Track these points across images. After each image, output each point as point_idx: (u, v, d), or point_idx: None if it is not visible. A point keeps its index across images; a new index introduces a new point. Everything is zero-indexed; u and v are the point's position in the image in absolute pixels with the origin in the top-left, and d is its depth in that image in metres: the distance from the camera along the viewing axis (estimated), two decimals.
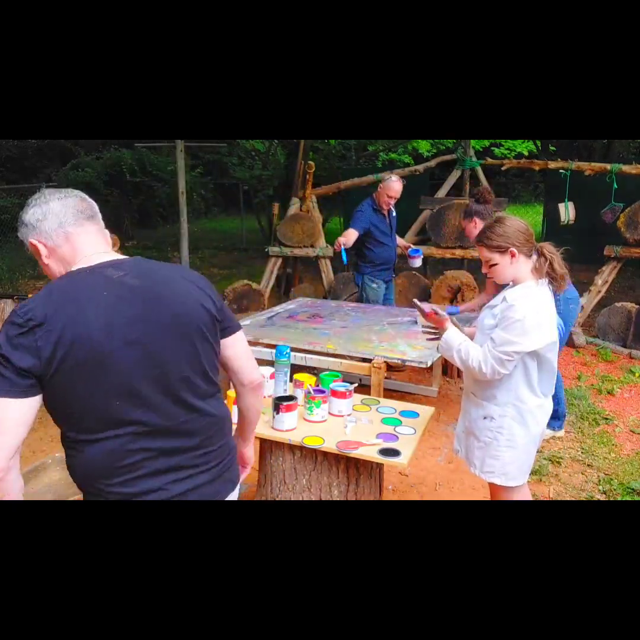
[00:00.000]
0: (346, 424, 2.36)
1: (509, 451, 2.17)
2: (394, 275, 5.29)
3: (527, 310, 2.02)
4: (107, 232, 1.55)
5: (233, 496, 1.70)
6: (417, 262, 5.06)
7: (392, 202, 4.79)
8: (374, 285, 4.92)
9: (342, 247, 4.46)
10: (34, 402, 1.31)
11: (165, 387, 1.36)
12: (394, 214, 5.01)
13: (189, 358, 1.40)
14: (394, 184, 4.68)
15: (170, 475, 1.46)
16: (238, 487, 1.70)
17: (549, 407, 2.21)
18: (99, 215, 1.54)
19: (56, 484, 2.36)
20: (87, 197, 1.55)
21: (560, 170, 6.13)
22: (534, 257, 2.16)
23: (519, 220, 2.19)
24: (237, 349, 1.57)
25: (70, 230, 1.41)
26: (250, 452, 1.86)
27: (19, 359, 1.24)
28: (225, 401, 2.41)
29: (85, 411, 1.33)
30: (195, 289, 1.44)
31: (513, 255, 2.13)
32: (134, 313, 1.31)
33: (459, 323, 2.34)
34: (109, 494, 1.42)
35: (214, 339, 1.46)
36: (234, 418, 2.05)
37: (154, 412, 1.36)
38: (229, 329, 1.53)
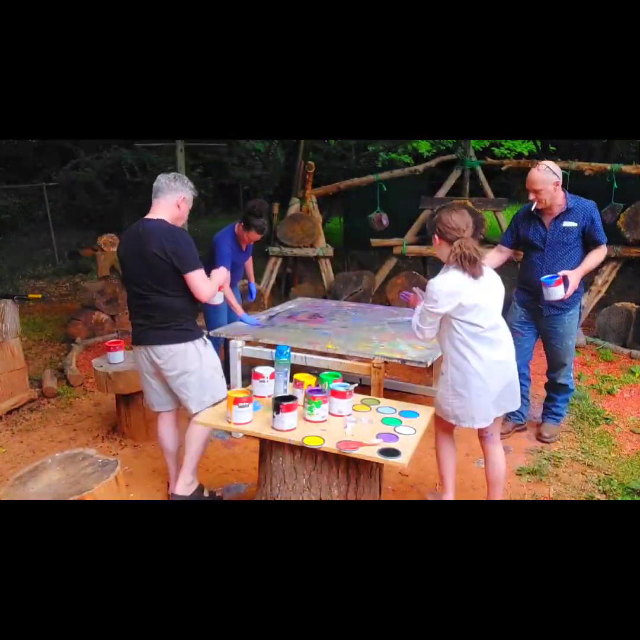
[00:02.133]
0: (346, 424, 2.36)
1: (455, 398, 2.61)
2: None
3: (435, 284, 2.50)
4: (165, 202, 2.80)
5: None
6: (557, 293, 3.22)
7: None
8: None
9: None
10: None
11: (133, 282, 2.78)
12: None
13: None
14: None
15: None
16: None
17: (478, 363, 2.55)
18: (161, 192, 2.81)
19: (56, 484, 2.36)
20: (159, 178, 2.86)
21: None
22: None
23: (458, 213, 2.52)
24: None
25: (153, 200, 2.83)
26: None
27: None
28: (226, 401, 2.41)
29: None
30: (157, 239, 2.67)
31: (435, 241, 2.60)
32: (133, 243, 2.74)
33: None
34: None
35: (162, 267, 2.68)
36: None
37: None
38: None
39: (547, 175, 3.16)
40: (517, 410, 3.69)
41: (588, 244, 3.31)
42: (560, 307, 3.38)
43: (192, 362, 2.78)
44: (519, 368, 3.46)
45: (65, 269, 9.72)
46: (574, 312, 3.44)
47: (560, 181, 3.20)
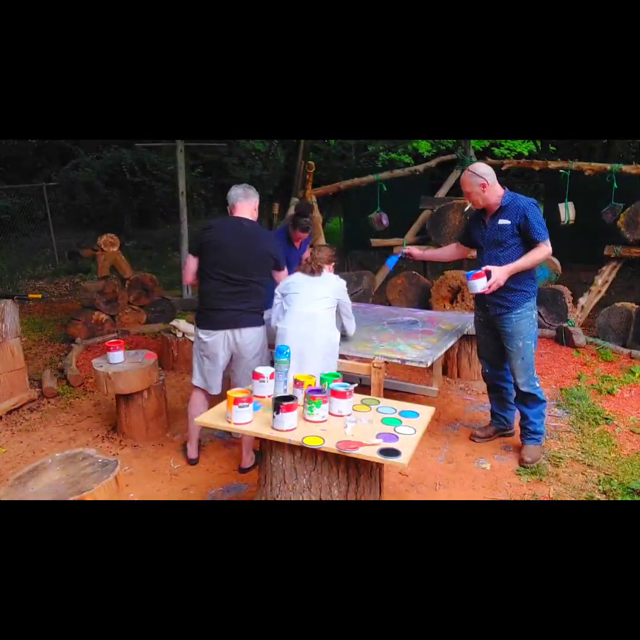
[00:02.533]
0: (346, 424, 2.36)
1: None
2: None
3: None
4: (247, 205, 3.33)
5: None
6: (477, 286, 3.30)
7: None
8: None
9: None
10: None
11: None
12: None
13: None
14: None
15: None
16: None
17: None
18: (243, 197, 3.33)
19: (56, 484, 2.36)
20: (234, 188, 3.40)
21: (560, 170, 6.13)
22: None
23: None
24: None
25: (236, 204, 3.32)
26: None
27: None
28: (226, 401, 2.41)
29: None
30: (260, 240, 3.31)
31: None
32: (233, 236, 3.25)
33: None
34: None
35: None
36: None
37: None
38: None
39: (472, 179, 3.27)
40: (500, 415, 3.69)
41: (527, 242, 3.25)
42: (505, 306, 3.32)
43: (262, 344, 3.33)
44: (500, 370, 3.58)
45: (65, 269, 9.72)
46: (522, 311, 3.31)
47: (488, 182, 3.24)
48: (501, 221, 3.29)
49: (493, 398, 3.74)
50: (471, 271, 3.25)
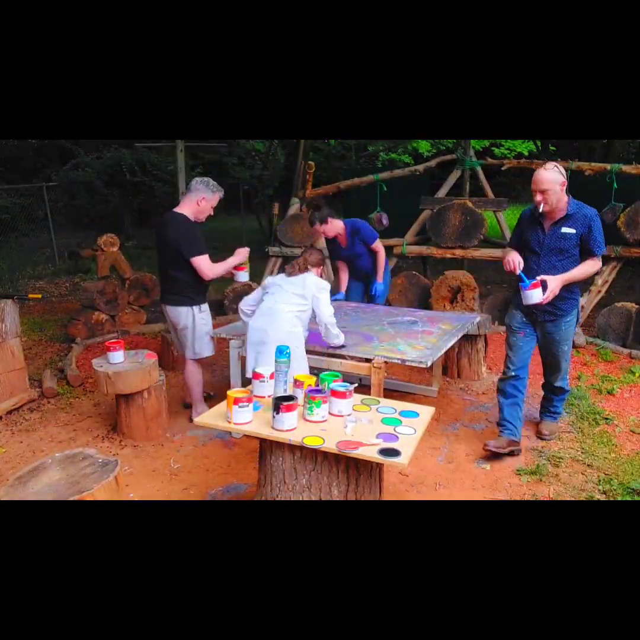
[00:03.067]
0: (346, 424, 2.36)
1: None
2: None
3: None
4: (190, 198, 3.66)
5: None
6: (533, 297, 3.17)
7: None
8: None
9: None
10: None
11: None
12: None
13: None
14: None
15: None
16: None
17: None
18: (190, 191, 3.68)
19: (56, 484, 2.36)
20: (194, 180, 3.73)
21: None
22: None
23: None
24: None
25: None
26: None
27: None
28: (226, 401, 2.41)
29: None
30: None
31: None
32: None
33: None
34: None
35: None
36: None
37: None
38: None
39: (554, 175, 3.07)
40: (510, 423, 3.48)
41: (583, 252, 3.19)
42: (556, 313, 3.31)
43: (190, 321, 3.77)
44: (518, 372, 3.50)
45: (65, 269, 9.72)
46: (571, 319, 3.36)
47: (566, 183, 3.13)
48: (565, 229, 3.17)
49: (507, 404, 3.51)
50: (526, 282, 3.08)
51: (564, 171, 3.16)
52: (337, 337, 3.43)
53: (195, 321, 3.76)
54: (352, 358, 3.44)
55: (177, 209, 3.67)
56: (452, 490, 3.17)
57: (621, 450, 3.58)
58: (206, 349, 3.85)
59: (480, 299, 6.29)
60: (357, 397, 2.66)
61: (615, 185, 5.82)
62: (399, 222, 6.92)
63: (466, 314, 4.92)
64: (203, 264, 3.62)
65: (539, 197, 3.15)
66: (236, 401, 2.34)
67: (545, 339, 3.46)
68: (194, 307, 3.75)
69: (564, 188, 3.14)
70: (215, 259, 3.79)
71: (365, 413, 2.52)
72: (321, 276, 3.63)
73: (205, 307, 3.83)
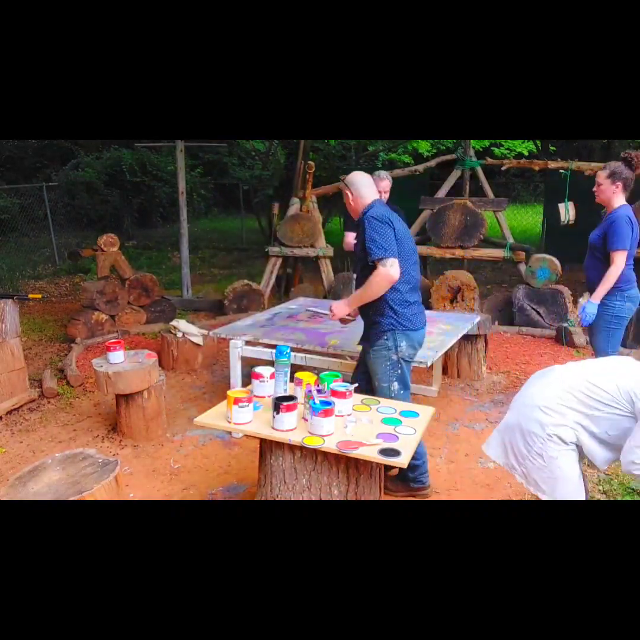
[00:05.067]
0: (346, 424, 2.36)
1: None
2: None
3: None
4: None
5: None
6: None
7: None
8: None
9: None
10: None
11: None
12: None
13: None
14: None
15: None
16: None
17: None
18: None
19: (56, 484, 2.36)
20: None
21: (560, 170, 6.13)
22: None
23: None
24: None
25: None
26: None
27: None
28: (226, 401, 2.41)
29: None
30: None
31: None
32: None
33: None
34: None
35: None
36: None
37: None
38: None
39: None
40: None
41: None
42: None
43: None
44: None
45: (65, 269, 9.72)
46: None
47: None
48: None
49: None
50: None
51: None
52: None
53: None
54: (352, 358, 3.44)
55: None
56: (452, 490, 3.17)
57: None
58: None
59: (480, 299, 6.29)
60: (357, 397, 2.66)
61: None
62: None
63: (466, 314, 4.92)
64: None
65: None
66: (236, 401, 2.34)
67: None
68: None
69: None
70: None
71: (365, 413, 2.52)
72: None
73: None
